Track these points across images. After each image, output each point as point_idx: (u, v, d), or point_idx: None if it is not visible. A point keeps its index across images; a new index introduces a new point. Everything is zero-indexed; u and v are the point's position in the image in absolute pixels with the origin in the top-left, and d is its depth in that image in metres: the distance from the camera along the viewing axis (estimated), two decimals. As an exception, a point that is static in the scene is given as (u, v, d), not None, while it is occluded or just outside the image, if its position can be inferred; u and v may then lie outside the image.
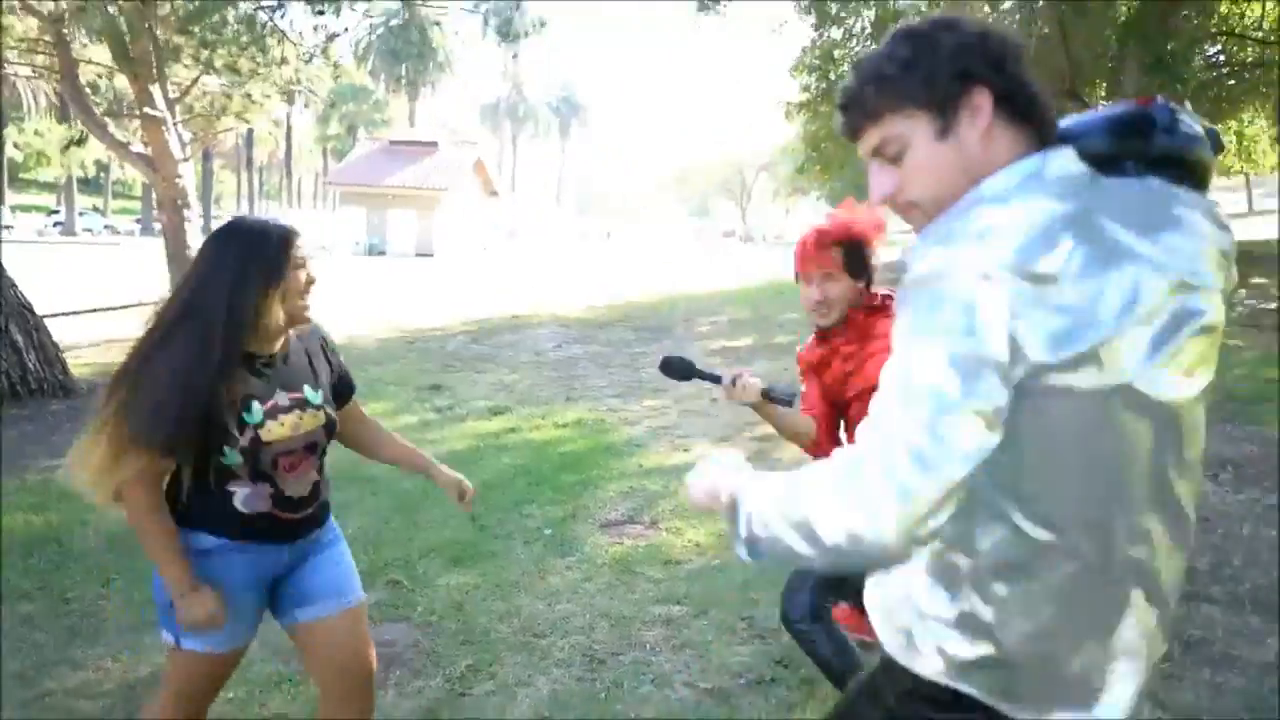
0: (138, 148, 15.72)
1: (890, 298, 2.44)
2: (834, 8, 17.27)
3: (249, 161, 59.53)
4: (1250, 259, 16.29)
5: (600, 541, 4.44)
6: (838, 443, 2.46)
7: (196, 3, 11.89)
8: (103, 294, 15.79)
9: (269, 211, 56.41)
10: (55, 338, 7.94)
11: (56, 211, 48.66)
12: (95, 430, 1.89)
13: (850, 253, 2.40)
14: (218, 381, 1.88)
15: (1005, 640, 1.16)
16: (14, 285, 7.41)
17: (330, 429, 2.13)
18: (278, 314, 1.97)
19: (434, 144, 41.43)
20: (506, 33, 29.80)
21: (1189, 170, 1.19)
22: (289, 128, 57.90)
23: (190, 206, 15.27)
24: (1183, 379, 1.13)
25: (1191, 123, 1.20)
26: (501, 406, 7.53)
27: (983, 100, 1.16)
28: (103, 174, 54.27)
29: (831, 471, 1.06)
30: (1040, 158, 1.14)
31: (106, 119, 15.53)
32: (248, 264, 1.93)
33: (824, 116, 18.73)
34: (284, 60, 12.49)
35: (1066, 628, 1.15)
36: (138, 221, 51.14)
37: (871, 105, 1.21)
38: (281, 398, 2.02)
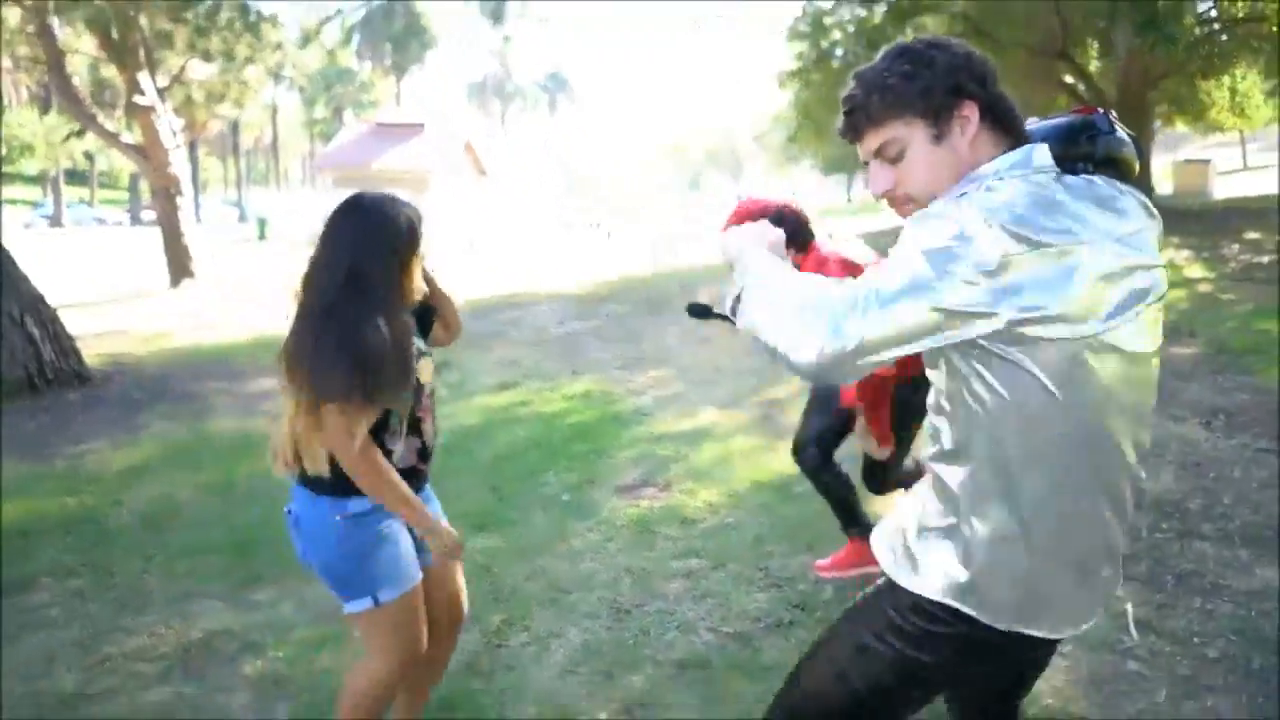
0: (128, 137, 15.77)
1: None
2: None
3: (235, 147, 59.29)
4: (1245, 214, 16.45)
5: (617, 505, 4.61)
6: None
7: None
8: (98, 285, 15.88)
9: (256, 197, 56.28)
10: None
11: (42, 204, 48.45)
12: (293, 412, 2.05)
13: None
14: (396, 330, 2.04)
15: (992, 561, 1.37)
16: (26, 279, 7.52)
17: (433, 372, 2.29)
18: (417, 276, 2.16)
19: (421, 125, 41.25)
20: (499, 15, 29.70)
21: (1124, 169, 1.41)
22: (275, 110, 57.63)
23: (183, 194, 15.33)
24: (1142, 337, 1.34)
25: (1121, 129, 1.42)
26: (510, 381, 7.68)
27: (970, 111, 1.36)
28: (89, 165, 54.01)
29: (801, 291, 1.29)
30: (1027, 150, 1.35)
31: (95, 109, 15.56)
32: (394, 236, 2.10)
33: (815, 84, 18.81)
34: (279, 45, 12.49)
35: (1046, 549, 1.36)
36: (127, 212, 50.96)
37: (874, 112, 1.40)
38: (417, 343, 2.19)
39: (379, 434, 2.08)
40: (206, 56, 13.50)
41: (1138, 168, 1.44)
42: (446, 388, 7.56)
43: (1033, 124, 1.48)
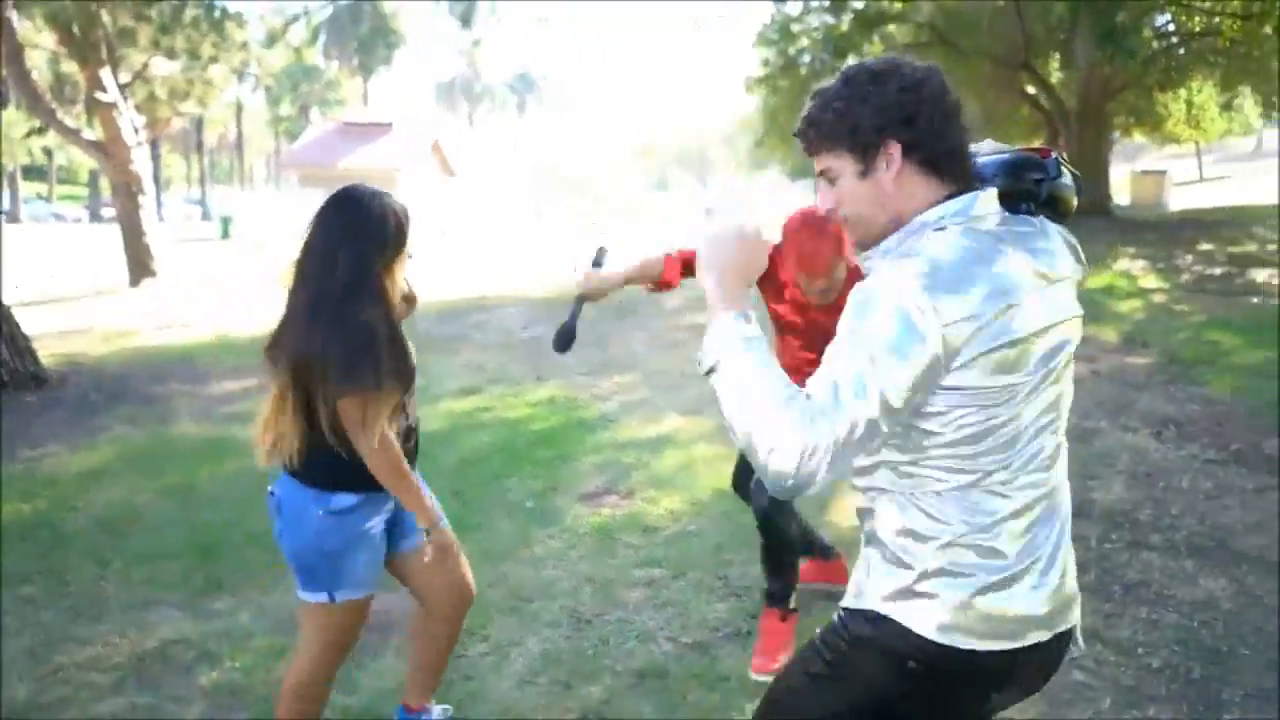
0: (88, 134, 15.52)
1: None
2: (791, -18, 17.39)
3: (199, 145, 58.47)
4: (1199, 225, 16.79)
5: (580, 512, 4.63)
6: None
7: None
8: (56, 283, 15.60)
9: (220, 195, 55.56)
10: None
11: (-2, 201, 47.50)
12: (280, 403, 2.10)
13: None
14: (392, 321, 2.12)
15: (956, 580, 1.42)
16: (-20, 277, 7.39)
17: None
18: (402, 273, 2.20)
19: (389, 124, 40.99)
20: (468, 18, 29.61)
21: (1064, 208, 1.50)
22: (239, 108, 56.94)
23: (144, 192, 15.12)
24: (1059, 385, 1.45)
25: (1068, 170, 1.50)
26: (474, 386, 7.67)
27: (894, 151, 1.42)
28: (47, 160, 53.00)
29: (775, 407, 1.29)
30: (969, 198, 1.41)
31: (55, 105, 15.30)
32: (387, 228, 2.14)
33: (782, 91, 18.96)
34: (244, 43, 12.36)
35: (1004, 557, 1.41)
36: (85, 208, 50.09)
37: (812, 141, 1.49)
38: None
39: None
40: (170, 54, 13.31)
41: (1075, 206, 1.51)
42: (411, 392, 7.54)
43: (986, 151, 1.53)
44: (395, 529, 2.35)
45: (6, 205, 44.96)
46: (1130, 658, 2.96)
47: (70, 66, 15.42)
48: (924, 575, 1.41)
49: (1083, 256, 1.52)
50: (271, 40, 13.63)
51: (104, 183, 40.53)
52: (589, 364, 8.68)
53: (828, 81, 1.48)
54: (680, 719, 2.79)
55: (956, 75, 17.45)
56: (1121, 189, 25.37)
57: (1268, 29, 13.57)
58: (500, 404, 7.09)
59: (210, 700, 2.97)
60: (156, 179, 34.31)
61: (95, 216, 46.54)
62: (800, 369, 2.60)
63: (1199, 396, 6.29)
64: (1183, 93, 20.22)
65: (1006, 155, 1.51)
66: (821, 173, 1.49)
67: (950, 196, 1.42)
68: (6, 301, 7.71)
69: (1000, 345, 1.32)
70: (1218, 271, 11.71)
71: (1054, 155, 1.50)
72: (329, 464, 2.11)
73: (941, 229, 1.39)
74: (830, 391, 1.29)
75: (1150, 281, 11.15)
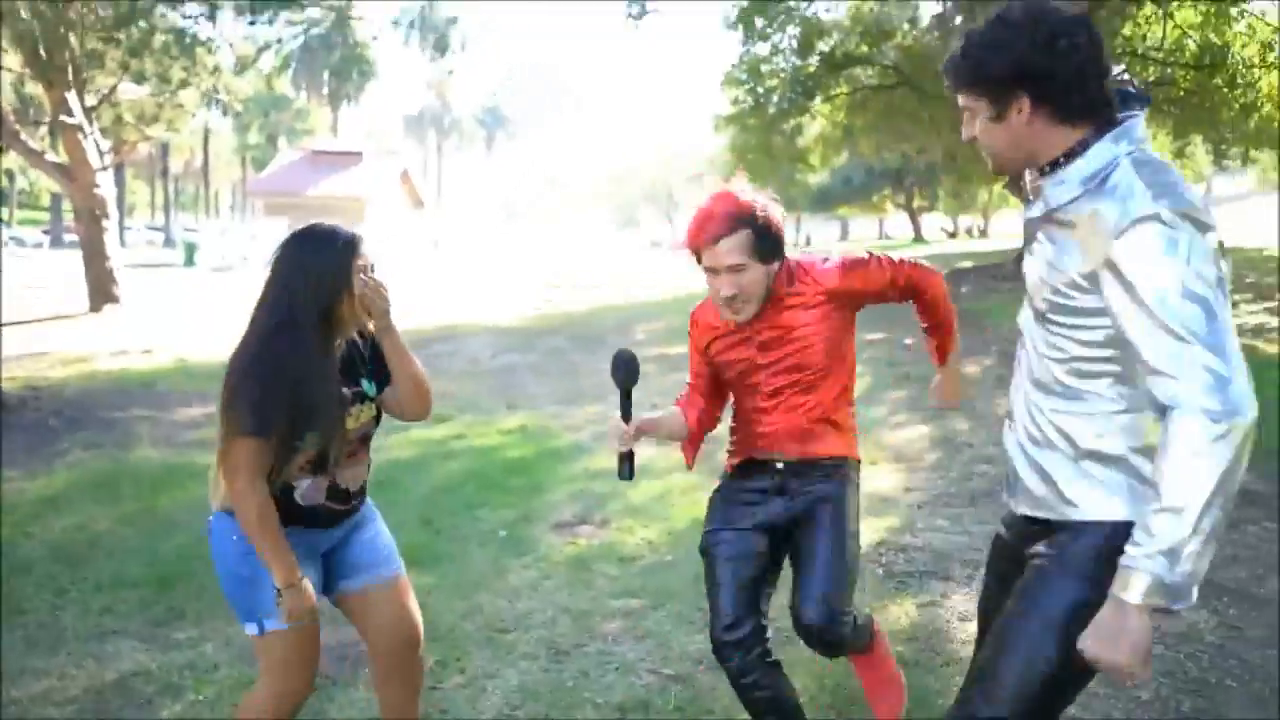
0: (52, 156, 15.29)
1: (804, 269, 2.38)
2: (761, 23, 17.64)
3: (165, 171, 57.88)
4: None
5: (554, 541, 4.55)
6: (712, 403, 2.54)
7: (122, 7, 11.58)
8: (14, 307, 15.24)
9: (184, 223, 54.93)
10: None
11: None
12: (220, 438, 2.06)
13: (760, 236, 2.25)
14: (313, 371, 2.04)
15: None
16: (-63, 297, 7.20)
17: (378, 420, 2.28)
18: (354, 313, 2.12)
19: (358, 154, 40.94)
20: (444, 48, 29.72)
21: None
22: (206, 135, 56.51)
23: (109, 216, 14.90)
24: None
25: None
26: (444, 414, 7.56)
27: (1025, 104, 1.56)
28: (8, 183, 52.15)
29: (1190, 432, 1.38)
30: (1137, 125, 1.58)
31: (18, 126, 15.06)
32: (326, 268, 2.08)
33: (752, 129, 19.14)
34: (216, 69, 12.27)
35: None
36: (46, 232, 49.26)
37: (953, 82, 1.64)
38: (347, 390, 2.16)
39: (285, 467, 2.07)
40: (140, 78, 13.18)
41: None
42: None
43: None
44: (338, 566, 2.29)
45: (-38, 228, 44.11)
46: (1119, 691, 2.93)
47: (35, 88, 15.21)
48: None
49: None
50: (242, 67, 13.51)
51: (66, 207, 39.95)
52: (560, 394, 8.63)
53: (976, 26, 1.62)
54: (663, 753, 2.71)
55: (920, 116, 17.80)
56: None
57: (1218, 80, 13.97)
58: (471, 432, 7.00)
59: (172, 734, 2.85)
60: (120, 204, 33.86)
61: (56, 241, 45.80)
62: (757, 415, 2.43)
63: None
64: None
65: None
66: (964, 108, 1.63)
67: (1085, 136, 1.55)
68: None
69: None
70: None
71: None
72: None
73: (1130, 154, 1.52)
74: (1197, 361, 1.39)
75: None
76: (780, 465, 2.43)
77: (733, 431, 2.58)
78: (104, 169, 14.63)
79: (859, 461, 2.52)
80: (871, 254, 2.44)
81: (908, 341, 10.11)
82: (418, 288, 18.86)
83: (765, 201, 2.31)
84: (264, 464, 2.01)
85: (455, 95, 76.67)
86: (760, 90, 18.37)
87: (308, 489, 2.14)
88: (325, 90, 57.95)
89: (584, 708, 2.95)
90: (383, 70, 61.17)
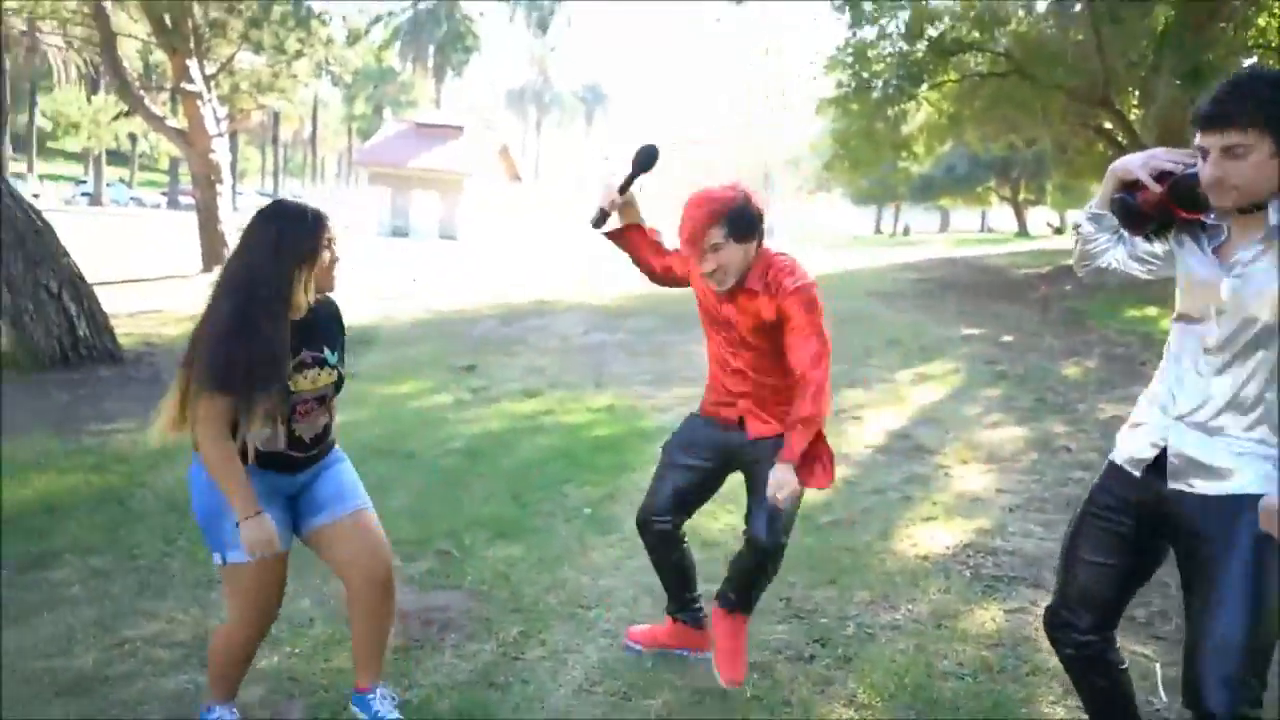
0: (173, 122, 15.98)
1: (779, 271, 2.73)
2: (869, 7, 17.24)
3: (275, 138, 59.88)
4: None
5: (638, 522, 4.58)
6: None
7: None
8: (132, 266, 16.02)
9: (292, 189, 56.79)
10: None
11: (84, 181, 49.07)
12: (174, 389, 2.33)
13: (735, 219, 2.65)
14: (273, 335, 2.26)
15: None
16: (66, 254, 7.62)
17: (339, 385, 2.50)
18: (309, 285, 2.32)
19: (460, 128, 41.52)
20: (545, 25, 30.00)
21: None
22: (315, 105, 58.20)
23: (223, 181, 15.51)
24: None
25: None
26: (534, 389, 7.68)
27: None
28: (130, 146, 54.69)
29: None
30: None
31: (142, 92, 15.77)
32: (288, 242, 2.29)
33: (854, 114, 18.76)
34: (329, 41, 12.64)
35: None
36: (164, 195, 51.55)
37: (1235, 118, 1.80)
38: (305, 355, 2.38)
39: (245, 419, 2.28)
40: (258, 48, 13.68)
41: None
42: (471, 392, 7.58)
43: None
44: (304, 507, 2.51)
45: (91, 187, 46.46)
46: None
47: (159, 56, 15.87)
48: None
49: None
50: (353, 39, 13.88)
51: (184, 171, 41.72)
52: (649, 374, 8.66)
53: (1247, 74, 1.85)
54: (739, 741, 2.72)
55: (1031, 107, 17.18)
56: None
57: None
58: (560, 408, 7.09)
59: (269, 684, 2.98)
60: (233, 169, 35.28)
61: (173, 203, 47.90)
62: (723, 361, 2.95)
63: None
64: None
65: None
66: (1226, 149, 1.81)
67: None
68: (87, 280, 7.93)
69: None
70: None
71: None
72: None
73: None
74: None
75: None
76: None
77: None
78: (220, 135, 15.22)
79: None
80: (813, 305, 2.71)
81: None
82: (513, 263, 19.15)
83: (741, 190, 2.68)
84: (228, 416, 2.25)
85: (556, 71, 77.22)
86: (865, 74, 17.97)
87: (267, 438, 2.36)
88: (430, 63, 59.03)
89: (662, 689, 2.99)
90: (486, 45, 61.85)
